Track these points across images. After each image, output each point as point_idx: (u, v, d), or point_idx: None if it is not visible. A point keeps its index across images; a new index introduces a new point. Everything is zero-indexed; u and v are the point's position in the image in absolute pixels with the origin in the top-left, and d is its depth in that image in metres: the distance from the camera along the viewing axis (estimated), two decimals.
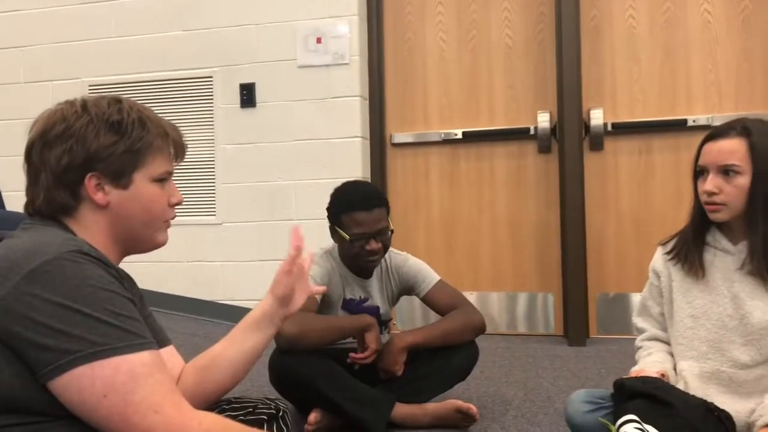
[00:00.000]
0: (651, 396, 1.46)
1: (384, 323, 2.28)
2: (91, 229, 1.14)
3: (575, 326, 3.35)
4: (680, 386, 1.56)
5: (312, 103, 3.61)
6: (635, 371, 1.59)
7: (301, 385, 1.95)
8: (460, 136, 3.64)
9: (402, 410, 2.02)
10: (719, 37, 3.36)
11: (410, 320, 3.69)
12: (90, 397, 0.96)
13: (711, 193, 1.52)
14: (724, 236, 1.59)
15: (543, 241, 3.57)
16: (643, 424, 1.41)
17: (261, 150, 3.68)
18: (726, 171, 1.51)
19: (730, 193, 1.51)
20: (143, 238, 1.19)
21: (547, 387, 2.52)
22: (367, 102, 3.67)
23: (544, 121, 3.50)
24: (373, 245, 2.08)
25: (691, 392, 1.53)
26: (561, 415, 1.97)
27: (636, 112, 3.45)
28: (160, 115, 1.23)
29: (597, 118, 3.43)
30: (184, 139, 1.24)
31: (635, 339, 1.74)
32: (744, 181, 1.50)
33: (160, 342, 1.24)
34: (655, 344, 1.68)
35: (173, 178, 1.24)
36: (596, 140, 3.45)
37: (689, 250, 1.61)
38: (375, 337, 2.02)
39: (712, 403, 1.44)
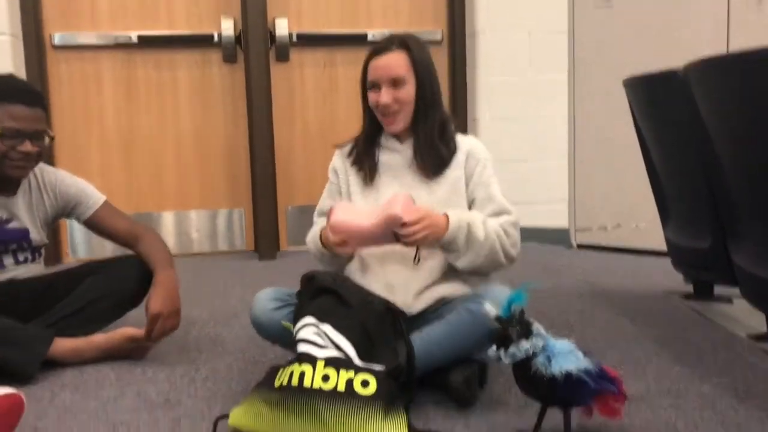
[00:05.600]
0: (335, 293, 1.46)
1: (36, 249, 1.95)
2: None
3: (266, 241, 3.33)
4: (365, 273, 1.62)
5: None
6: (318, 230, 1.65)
7: None
8: (135, 40, 3.27)
9: (64, 345, 1.77)
10: None
11: (86, 246, 3.32)
12: None
13: (387, 105, 1.63)
14: (392, 137, 1.72)
15: (231, 155, 3.43)
16: (319, 324, 1.40)
17: None
18: (395, 82, 1.63)
19: (402, 101, 1.64)
20: None
21: (234, 304, 2.44)
22: None
23: (228, 28, 3.31)
24: (28, 146, 1.77)
25: (372, 275, 1.61)
26: (246, 329, 1.92)
27: (320, 23, 3.43)
28: None
29: (282, 27, 3.34)
30: None
31: None
32: (410, 89, 1.65)
33: None
34: None
35: None
36: (282, 51, 3.36)
37: (362, 156, 1.73)
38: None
39: (393, 304, 1.49)
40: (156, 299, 1.80)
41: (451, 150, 1.66)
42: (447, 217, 1.53)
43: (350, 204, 1.66)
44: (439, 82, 1.70)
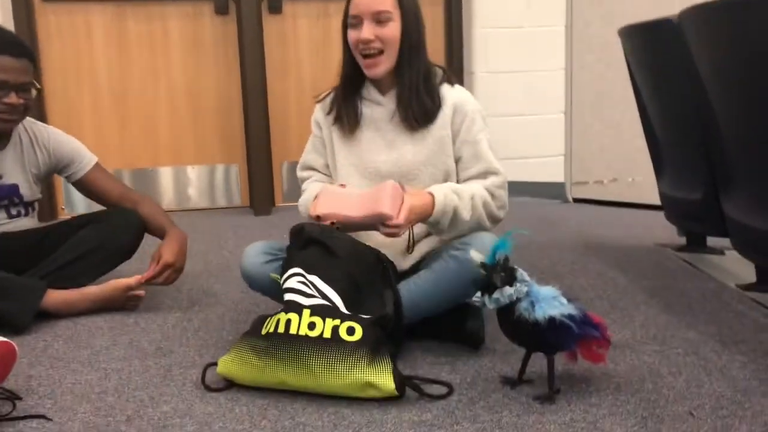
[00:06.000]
0: (324, 244, 1.47)
1: (29, 204, 1.96)
2: None
3: (260, 196, 3.33)
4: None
5: None
6: (312, 205, 1.50)
7: None
8: None
9: (56, 297, 1.78)
10: None
11: (82, 201, 3.32)
12: None
13: (368, 41, 1.52)
14: (374, 88, 1.62)
15: (224, 109, 3.41)
16: (307, 275, 1.41)
17: None
18: (378, 18, 1.51)
19: (385, 38, 1.52)
20: None
21: (228, 256, 2.46)
22: None
23: None
24: (13, 98, 1.77)
25: (359, 236, 1.55)
26: (238, 281, 1.93)
27: None
28: None
29: None
30: None
31: None
32: (395, 26, 1.53)
33: None
34: (320, 176, 1.71)
35: None
36: (274, 2, 3.31)
37: (341, 106, 1.63)
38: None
39: (383, 254, 1.49)
40: (170, 250, 1.87)
41: (437, 103, 1.56)
42: (433, 197, 1.46)
43: (336, 190, 1.53)
44: (424, 26, 1.59)
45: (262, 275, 1.58)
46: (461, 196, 1.49)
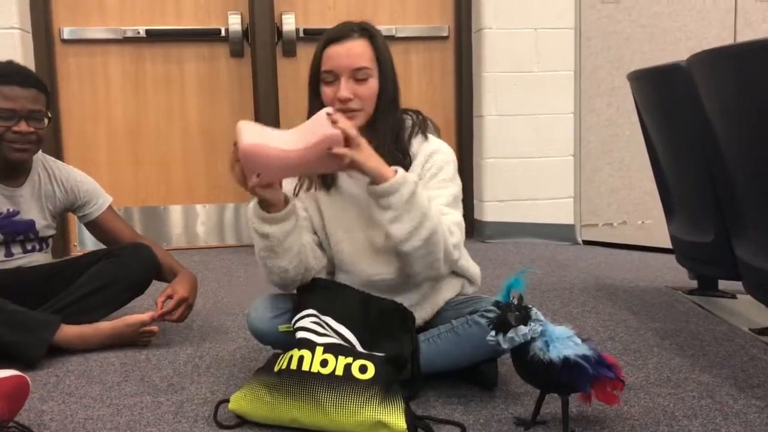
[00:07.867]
0: (333, 291, 1.48)
1: (44, 239, 1.98)
2: None
3: None
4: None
5: None
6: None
7: None
8: (143, 34, 3.29)
9: (70, 332, 1.79)
10: None
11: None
12: None
13: (347, 100, 1.42)
14: None
15: None
16: (321, 316, 1.42)
17: None
18: (357, 76, 1.44)
19: (363, 97, 1.44)
20: None
21: (239, 294, 2.46)
22: None
23: (235, 23, 3.33)
24: (23, 127, 1.80)
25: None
26: None
27: (327, 19, 3.45)
28: None
29: (289, 23, 3.36)
30: None
31: None
32: (374, 83, 1.46)
33: None
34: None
35: None
36: (289, 46, 3.38)
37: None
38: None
39: (399, 303, 1.48)
40: (184, 286, 1.91)
41: (408, 159, 1.47)
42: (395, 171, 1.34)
43: (259, 125, 1.33)
44: (397, 78, 1.51)
45: (272, 329, 1.51)
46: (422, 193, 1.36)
